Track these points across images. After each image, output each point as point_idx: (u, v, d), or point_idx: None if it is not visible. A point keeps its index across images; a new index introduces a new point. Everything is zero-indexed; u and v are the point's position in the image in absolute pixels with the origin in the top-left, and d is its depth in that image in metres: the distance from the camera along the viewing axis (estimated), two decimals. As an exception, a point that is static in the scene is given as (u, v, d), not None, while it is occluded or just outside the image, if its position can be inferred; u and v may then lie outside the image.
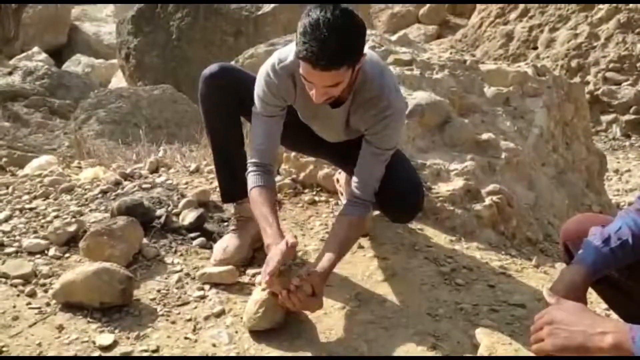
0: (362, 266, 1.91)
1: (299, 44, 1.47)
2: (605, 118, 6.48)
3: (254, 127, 1.78)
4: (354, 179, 1.74)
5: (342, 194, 2.22)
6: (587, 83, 6.59)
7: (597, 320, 0.99)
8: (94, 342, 1.48)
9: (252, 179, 1.75)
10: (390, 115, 1.66)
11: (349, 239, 1.73)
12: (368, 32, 3.02)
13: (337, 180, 2.29)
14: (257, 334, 1.56)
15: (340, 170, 2.25)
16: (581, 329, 0.98)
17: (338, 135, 1.84)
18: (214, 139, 1.90)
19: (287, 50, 1.70)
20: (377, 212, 2.16)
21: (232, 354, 1.50)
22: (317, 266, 1.61)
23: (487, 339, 1.56)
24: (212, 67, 1.82)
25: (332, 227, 1.79)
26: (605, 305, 1.61)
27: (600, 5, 6.91)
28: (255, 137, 1.77)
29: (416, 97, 2.54)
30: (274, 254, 1.56)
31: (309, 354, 1.51)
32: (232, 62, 2.96)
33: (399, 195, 1.76)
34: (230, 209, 2.07)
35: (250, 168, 1.77)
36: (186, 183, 2.40)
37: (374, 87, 1.65)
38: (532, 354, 1.08)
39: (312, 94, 1.55)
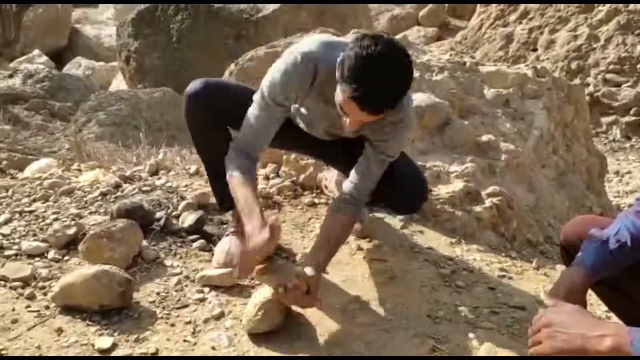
0: (361, 268, 1.91)
1: (345, 80, 1.39)
2: (606, 120, 6.48)
3: (249, 116, 1.68)
4: (352, 177, 1.73)
5: (334, 199, 2.22)
6: (587, 85, 6.59)
7: (596, 323, 0.99)
8: (93, 345, 1.48)
9: (234, 163, 1.67)
10: (404, 126, 1.67)
11: (340, 239, 1.73)
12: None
13: (326, 187, 2.29)
14: (257, 337, 1.56)
15: (326, 175, 2.24)
16: (580, 332, 0.98)
17: (336, 137, 1.84)
18: (203, 153, 1.89)
19: (312, 47, 1.59)
20: (379, 215, 2.17)
21: (232, 357, 1.50)
22: (311, 265, 1.59)
23: (487, 341, 1.56)
24: (196, 85, 1.76)
25: (324, 224, 1.75)
26: (605, 307, 1.60)
27: (600, 7, 6.92)
28: (246, 128, 1.68)
29: (416, 99, 2.54)
30: (257, 244, 1.51)
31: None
32: (232, 65, 2.96)
33: (404, 185, 1.78)
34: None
35: (232, 152, 1.70)
36: (186, 185, 2.40)
37: None
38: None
39: (344, 121, 1.52)
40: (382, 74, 1.38)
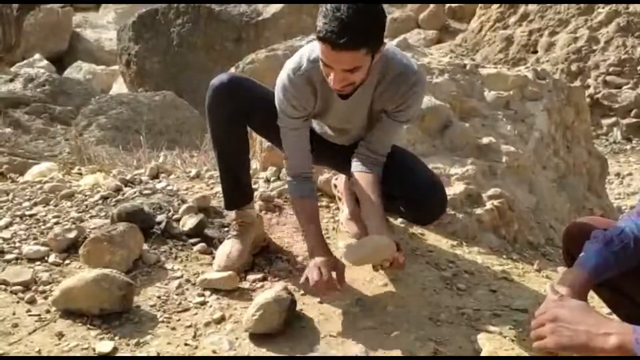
0: (363, 271, 1.90)
1: (319, 25, 1.47)
2: (606, 121, 6.48)
3: (284, 142, 1.80)
4: (371, 142, 1.79)
5: (339, 200, 2.22)
6: (588, 87, 6.59)
7: (601, 321, 0.98)
8: (93, 349, 1.48)
9: (292, 187, 1.82)
10: (419, 90, 1.72)
11: (381, 196, 1.75)
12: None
13: (335, 186, 2.28)
14: (258, 340, 1.55)
15: (337, 176, 2.24)
16: (585, 329, 0.97)
17: (361, 127, 1.84)
18: (219, 147, 1.87)
19: (297, 58, 1.70)
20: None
21: (233, 361, 1.50)
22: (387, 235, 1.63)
23: (489, 344, 1.55)
24: (221, 77, 1.79)
25: (359, 187, 1.78)
26: (607, 309, 1.60)
27: (600, 9, 6.93)
28: (287, 152, 1.81)
29: (416, 102, 2.54)
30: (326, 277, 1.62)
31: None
32: (233, 69, 2.96)
33: (424, 194, 1.78)
34: (230, 214, 2.07)
35: (289, 179, 1.83)
36: (186, 189, 2.39)
37: (396, 64, 1.68)
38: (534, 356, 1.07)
39: (330, 80, 1.56)
40: (349, 11, 1.43)
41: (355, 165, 1.81)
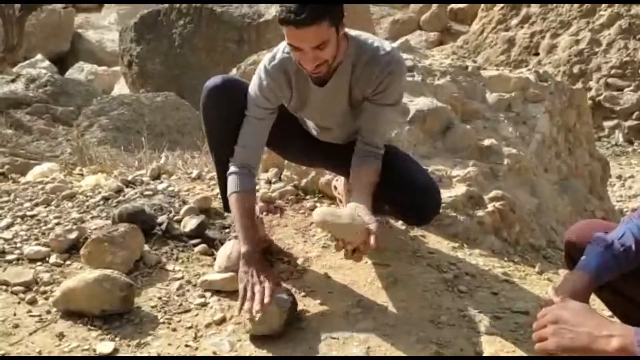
0: (363, 273, 1.90)
1: (278, 11, 1.50)
2: (608, 124, 6.48)
3: (242, 128, 1.78)
4: (363, 133, 1.77)
5: (340, 201, 2.22)
6: (589, 89, 6.59)
7: (603, 323, 0.98)
8: (94, 350, 1.48)
9: (232, 182, 1.76)
10: (394, 68, 1.68)
11: (373, 185, 1.72)
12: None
13: (335, 188, 2.28)
14: (259, 341, 1.55)
15: (337, 177, 2.24)
16: (587, 331, 0.97)
17: (345, 120, 1.84)
18: (215, 150, 1.88)
19: (274, 51, 1.75)
20: (377, 218, 2.16)
21: (233, 362, 1.49)
22: (368, 216, 1.57)
23: (490, 347, 1.55)
24: (215, 79, 1.81)
25: (354, 177, 1.77)
26: (608, 312, 1.59)
27: (602, 11, 6.93)
28: (242, 138, 1.78)
29: (418, 103, 2.54)
30: (263, 288, 1.57)
31: (310, 362, 1.50)
32: (234, 70, 2.97)
33: (419, 195, 1.76)
34: (231, 215, 2.07)
35: (232, 169, 1.78)
36: (188, 190, 2.39)
37: (368, 47, 1.68)
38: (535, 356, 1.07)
39: (303, 64, 1.58)
40: None
41: (352, 161, 1.80)
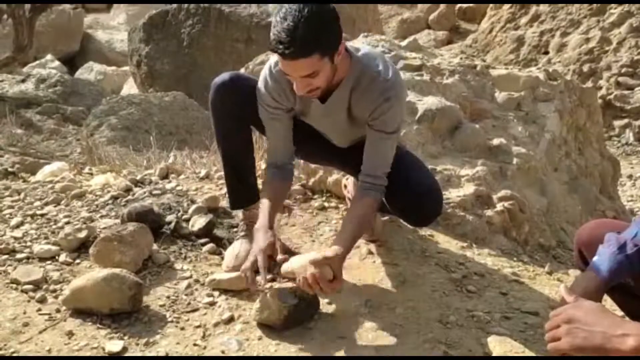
0: (372, 272, 1.89)
1: (270, 37, 1.49)
2: (618, 123, 6.43)
3: (266, 131, 1.84)
4: (365, 164, 1.75)
5: (349, 200, 2.22)
6: (600, 88, 6.54)
7: (617, 322, 0.96)
8: (103, 349, 1.48)
9: (273, 174, 1.84)
10: (393, 95, 1.65)
11: (364, 221, 1.72)
12: (378, 37, 3.03)
13: (345, 186, 2.28)
14: (267, 340, 1.55)
15: (347, 176, 2.24)
16: (601, 330, 0.95)
17: (344, 133, 1.84)
18: (223, 146, 1.89)
19: (273, 58, 1.73)
20: (385, 217, 2.15)
21: (242, 361, 1.49)
22: (335, 248, 1.59)
23: (499, 347, 1.54)
24: (223, 76, 1.82)
25: (348, 209, 1.80)
26: (620, 313, 1.58)
27: (612, 10, 6.87)
28: (268, 140, 1.86)
29: (426, 103, 2.53)
30: (257, 252, 1.65)
31: (318, 362, 1.50)
32: (242, 69, 2.97)
33: (418, 198, 1.75)
34: (239, 214, 2.07)
35: (268, 170, 1.85)
36: (196, 189, 2.40)
37: (370, 71, 1.66)
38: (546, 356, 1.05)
39: (295, 89, 1.59)
40: (295, 20, 1.43)
41: (353, 194, 1.83)
